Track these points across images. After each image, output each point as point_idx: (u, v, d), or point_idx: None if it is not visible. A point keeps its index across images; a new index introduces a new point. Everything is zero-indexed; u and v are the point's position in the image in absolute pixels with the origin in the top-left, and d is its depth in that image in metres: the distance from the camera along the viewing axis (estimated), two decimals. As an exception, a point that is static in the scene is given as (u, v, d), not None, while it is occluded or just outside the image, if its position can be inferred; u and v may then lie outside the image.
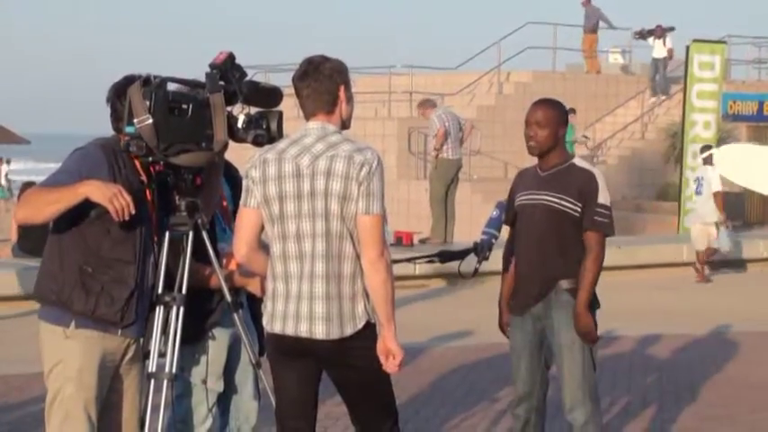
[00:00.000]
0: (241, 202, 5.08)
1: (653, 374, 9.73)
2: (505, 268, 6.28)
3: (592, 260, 5.96)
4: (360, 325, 4.94)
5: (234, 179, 5.61)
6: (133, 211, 4.88)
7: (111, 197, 4.84)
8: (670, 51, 28.92)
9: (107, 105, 5.17)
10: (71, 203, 4.88)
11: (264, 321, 5.09)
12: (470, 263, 6.80)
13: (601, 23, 30.88)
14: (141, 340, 5.19)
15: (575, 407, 6.03)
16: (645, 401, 8.74)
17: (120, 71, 5.30)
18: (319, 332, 4.92)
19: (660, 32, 28.89)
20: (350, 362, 4.98)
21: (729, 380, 9.59)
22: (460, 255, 6.78)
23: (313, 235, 4.92)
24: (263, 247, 5.10)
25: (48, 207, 4.90)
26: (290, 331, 4.97)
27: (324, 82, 4.97)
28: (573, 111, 23.92)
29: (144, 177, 5.13)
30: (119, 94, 5.12)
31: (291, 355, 5.02)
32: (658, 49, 28.89)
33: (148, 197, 5.12)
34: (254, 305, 5.59)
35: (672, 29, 29.59)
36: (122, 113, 5.09)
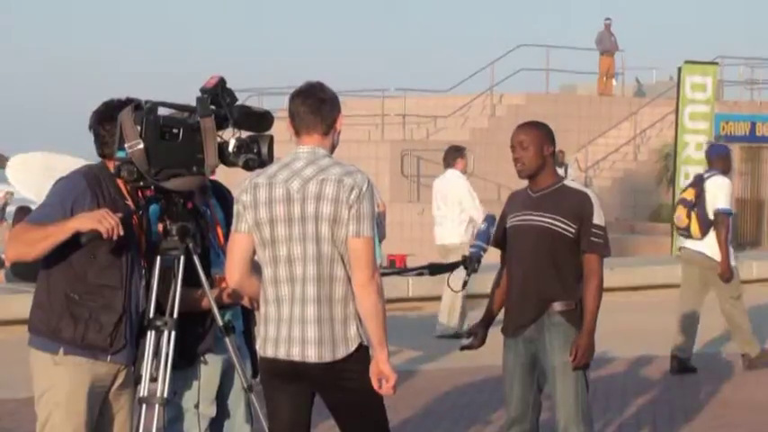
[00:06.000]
0: (232, 228, 5.07)
1: (646, 396, 9.71)
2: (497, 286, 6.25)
3: (595, 286, 5.93)
4: (352, 348, 4.93)
5: (227, 202, 5.60)
6: (122, 232, 4.88)
7: (100, 218, 4.85)
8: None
9: (90, 132, 5.18)
10: (60, 239, 4.91)
11: (257, 345, 5.09)
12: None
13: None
14: (132, 366, 5.18)
15: (568, 428, 6.01)
16: (638, 423, 8.73)
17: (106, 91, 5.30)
18: (311, 355, 4.91)
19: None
20: (343, 385, 4.96)
21: (723, 401, 9.57)
22: (449, 267, 6.77)
23: (304, 258, 4.91)
24: (256, 270, 5.09)
25: (38, 244, 4.92)
26: (282, 355, 4.96)
27: (327, 103, 4.99)
28: None
29: (130, 202, 5.13)
30: (101, 120, 5.14)
31: (284, 379, 5.01)
32: None
33: (135, 221, 5.11)
34: (248, 323, 5.59)
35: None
36: (106, 139, 5.10)
